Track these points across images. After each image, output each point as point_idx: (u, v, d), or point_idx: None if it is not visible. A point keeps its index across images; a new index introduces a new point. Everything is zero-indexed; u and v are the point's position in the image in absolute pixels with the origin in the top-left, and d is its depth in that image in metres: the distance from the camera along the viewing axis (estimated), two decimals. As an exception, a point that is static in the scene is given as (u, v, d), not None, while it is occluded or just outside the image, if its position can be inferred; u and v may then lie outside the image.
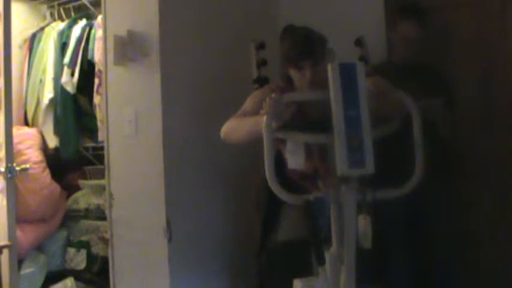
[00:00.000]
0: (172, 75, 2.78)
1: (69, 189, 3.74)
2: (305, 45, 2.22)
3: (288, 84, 2.31)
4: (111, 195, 2.93)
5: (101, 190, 3.46)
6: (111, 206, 2.93)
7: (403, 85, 2.08)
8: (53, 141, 3.60)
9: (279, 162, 2.19)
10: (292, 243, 2.25)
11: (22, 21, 3.77)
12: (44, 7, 3.87)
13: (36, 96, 3.64)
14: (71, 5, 3.73)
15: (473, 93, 2.83)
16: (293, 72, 2.27)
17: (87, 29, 3.50)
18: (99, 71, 3.31)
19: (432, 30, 2.73)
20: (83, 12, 3.71)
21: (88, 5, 3.62)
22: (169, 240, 2.71)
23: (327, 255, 1.96)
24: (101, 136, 3.31)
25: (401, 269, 2.60)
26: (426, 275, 2.63)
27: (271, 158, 1.94)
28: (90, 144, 3.60)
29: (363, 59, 2.62)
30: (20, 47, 3.75)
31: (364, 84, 1.89)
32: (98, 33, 3.37)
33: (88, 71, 3.43)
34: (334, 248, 1.94)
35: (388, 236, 2.48)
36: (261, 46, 2.83)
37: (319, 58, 2.19)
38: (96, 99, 3.37)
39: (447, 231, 2.67)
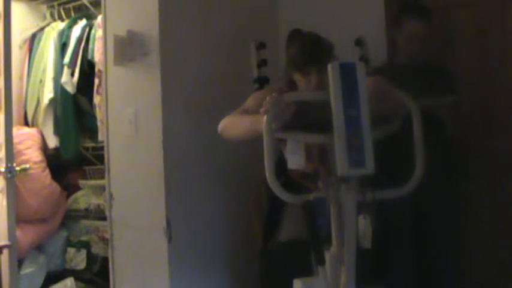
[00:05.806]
0: (172, 75, 2.78)
1: (69, 189, 3.74)
2: (313, 52, 2.21)
3: (291, 87, 2.31)
4: (111, 195, 2.93)
5: (101, 190, 3.46)
6: (111, 206, 2.93)
7: (411, 84, 2.07)
8: (53, 141, 3.60)
9: (280, 162, 2.19)
10: (294, 244, 2.25)
11: (22, 21, 3.77)
12: (44, 7, 3.87)
13: (36, 96, 3.63)
14: (71, 5, 3.73)
15: (474, 93, 2.82)
16: (298, 77, 2.25)
17: (87, 29, 3.50)
18: (99, 71, 3.31)
19: (433, 30, 2.72)
20: (83, 12, 3.71)
21: (88, 5, 3.62)
22: (169, 240, 2.71)
23: (327, 255, 1.96)
24: (101, 136, 3.31)
25: (402, 269, 2.59)
26: (427, 275, 2.63)
27: (271, 158, 1.94)
28: (90, 144, 3.60)
29: (363, 59, 2.62)
30: (20, 47, 3.75)
31: (364, 84, 1.89)
32: (98, 33, 3.37)
33: (88, 71, 3.43)
34: (334, 248, 1.94)
35: (391, 236, 2.47)
36: (261, 46, 2.83)
37: (326, 65, 2.18)
38: (96, 99, 3.37)
39: (449, 232, 2.67)
